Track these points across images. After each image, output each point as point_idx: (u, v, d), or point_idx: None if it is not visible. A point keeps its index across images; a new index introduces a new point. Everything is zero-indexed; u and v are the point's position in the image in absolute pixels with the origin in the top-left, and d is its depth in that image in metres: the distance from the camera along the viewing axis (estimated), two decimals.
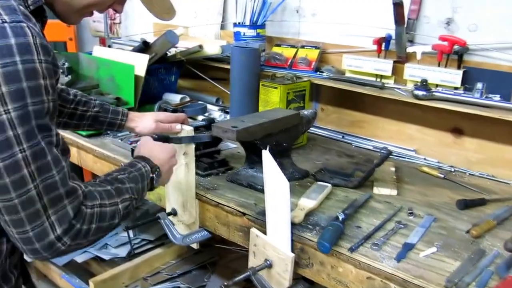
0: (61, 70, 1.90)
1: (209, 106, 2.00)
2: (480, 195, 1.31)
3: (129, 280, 2.06)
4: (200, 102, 2.06)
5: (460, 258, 0.99)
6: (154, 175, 1.01)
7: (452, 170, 1.51)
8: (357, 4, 1.73)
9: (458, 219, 1.18)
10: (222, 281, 2.05)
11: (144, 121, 1.28)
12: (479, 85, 1.37)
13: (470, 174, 1.48)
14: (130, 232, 2.35)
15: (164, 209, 1.38)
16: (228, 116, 1.88)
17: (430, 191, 1.35)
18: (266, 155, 1.03)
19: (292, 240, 1.06)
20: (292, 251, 1.06)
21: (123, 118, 1.29)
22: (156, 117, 1.27)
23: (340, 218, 1.09)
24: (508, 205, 1.24)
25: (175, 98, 2.06)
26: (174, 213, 1.33)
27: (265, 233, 1.10)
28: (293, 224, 1.08)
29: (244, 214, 1.20)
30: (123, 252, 2.24)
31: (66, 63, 1.89)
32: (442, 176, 1.44)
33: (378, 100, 1.64)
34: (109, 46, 2.65)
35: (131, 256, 2.18)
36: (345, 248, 1.01)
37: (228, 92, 1.97)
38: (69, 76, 1.88)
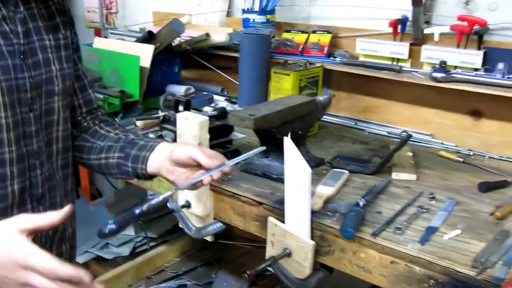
0: None
1: (214, 97, 2.03)
2: (501, 177, 1.35)
3: (133, 280, 2.10)
4: (205, 92, 2.09)
5: (485, 240, 1.03)
6: None
7: (471, 153, 1.55)
8: None
9: (481, 202, 1.22)
10: (230, 276, 2.09)
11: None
12: (501, 66, 1.41)
13: (489, 157, 1.52)
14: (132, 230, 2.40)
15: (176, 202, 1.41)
16: (235, 106, 1.91)
17: (450, 175, 1.39)
18: (287, 141, 1.07)
19: (312, 228, 1.09)
20: (312, 238, 1.09)
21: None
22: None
23: (361, 204, 1.13)
24: None
25: (179, 90, 2.08)
26: (188, 205, 1.36)
27: (283, 222, 1.14)
28: (312, 212, 1.11)
29: (260, 203, 1.23)
30: (125, 251, 2.27)
31: None
32: (461, 160, 1.48)
33: (392, 84, 1.67)
34: (105, 37, 2.66)
35: (135, 254, 2.24)
36: (367, 233, 1.05)
37: (234, 81, 2.00)
38: None
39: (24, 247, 0.73)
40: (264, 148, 1.07)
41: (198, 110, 1.89)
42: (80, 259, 2.22)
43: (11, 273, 0.73)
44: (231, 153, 1.48)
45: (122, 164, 1.07)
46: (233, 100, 1.99)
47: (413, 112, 1.72)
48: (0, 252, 0.73)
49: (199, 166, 0.99)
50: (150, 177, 1.08)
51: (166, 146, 1.05)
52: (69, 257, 1.13)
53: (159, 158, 1.03)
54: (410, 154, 1.49)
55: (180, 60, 2.18)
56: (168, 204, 0.99)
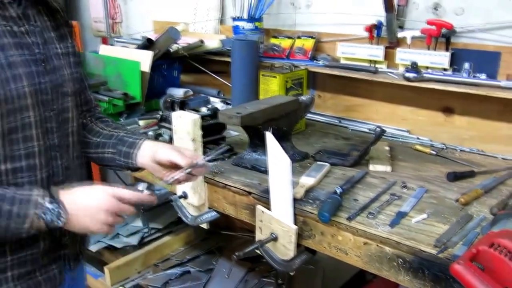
0: None
1: (211, 99, 2.08)
2: (469, 168, 1.39)
3: (141, 267, 2.17)
4: (202, 95, 2.14)
5: (449, 223, 1.07)
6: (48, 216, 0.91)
7: (444, 147, 1.59)
8: None
9: (448, 190, 1.26)
10: (230, 263, 2.15)
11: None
12: (466, 65, 1.45)
13: (461, 150, 1.56)
14: (139, 222, 2.46)
15: (174, 193, 1.46)
16: (230, 107, 1.95)
17: (423, 166, 1.43)
18: (269, 136, 1.11)
19: (295, 214, 1.14)
20: (295, 224, 1.13)
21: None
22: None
23: (338, 191, 1.17)
24: (495, 176, 1.32)
25: (178, 93, 2.13)
26: (185, 196, 1.41)
27: (269, 209, 1.18)
28: (295, 200, 1.16)
29: (249, 193, 1.28)
30: (134, 240, 2.35)
31: None
32: (434, 153, 1.52)
33: (372, 84, 1.71)
34: (111, 45, 2.72)
35: (143, 243, 2.30)
36: (343, 218, 1.10)
37: (228, 85, 2.05)
38: None
39: (110, 189, 0.95)
40: (227, 147, 1.12)
41: (196, 110, 1.93)
42: (93, 247, 2.32)
43: (97, 214, 0.93)
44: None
45: (116, 159, 1.18)
46: (228, 102, 2.03)
47: (391, 110, 1.76)
48: (92, 200, 0.94)
49: (178, 167, 1.09)
50: (140, 169, 1.19)
51: (149, 145, 1.14)
52: (82, 244, 1.21)
53: (145, 155, 1.14)
54: (387, 148, 1.53)
55: (179, 65, 2.23)
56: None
